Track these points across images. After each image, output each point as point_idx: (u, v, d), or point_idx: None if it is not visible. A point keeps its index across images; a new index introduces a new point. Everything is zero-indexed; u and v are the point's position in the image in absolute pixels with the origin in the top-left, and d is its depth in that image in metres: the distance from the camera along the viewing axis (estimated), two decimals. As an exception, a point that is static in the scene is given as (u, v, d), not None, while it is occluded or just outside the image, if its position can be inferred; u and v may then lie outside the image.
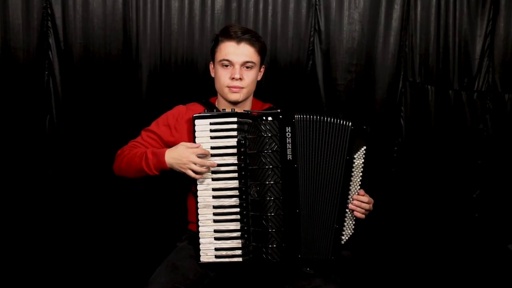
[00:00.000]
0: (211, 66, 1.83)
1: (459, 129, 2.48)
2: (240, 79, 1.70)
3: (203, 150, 1.59)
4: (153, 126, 1.82)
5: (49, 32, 2.28)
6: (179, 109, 1.83)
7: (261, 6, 2.36)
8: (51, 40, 2.28)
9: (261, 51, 1.76)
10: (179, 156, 1.60)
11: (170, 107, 1.87)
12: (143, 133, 1.81)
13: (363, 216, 1.61)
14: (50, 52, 2.29)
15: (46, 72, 2.30)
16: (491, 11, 2.43)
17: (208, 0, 2.33)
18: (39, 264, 2.34)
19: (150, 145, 1.77)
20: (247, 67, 1.72)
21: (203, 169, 1.59)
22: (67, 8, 2.27)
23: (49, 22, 2.27)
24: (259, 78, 1.81)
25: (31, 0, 2.25)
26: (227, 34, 1.72)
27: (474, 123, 2.48)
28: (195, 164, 1.58)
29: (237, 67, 1.70)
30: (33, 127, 2.30)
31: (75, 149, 2.33)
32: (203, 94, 1.95)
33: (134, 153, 1.71)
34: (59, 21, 2.27)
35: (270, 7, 2.36)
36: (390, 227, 2.50)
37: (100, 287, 2.32)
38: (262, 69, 1.83)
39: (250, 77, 1.73)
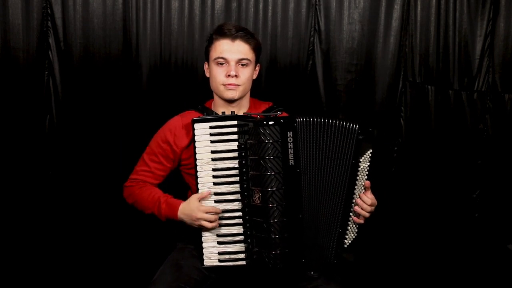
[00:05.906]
0: (205, 66, 1.80)
1: (459, 129, 2.48)
2: (236, 76, 1.68)
3: (213, 208, 1.58)
4: (153, 146, 1.76)
5: (49, 32, 2.28)
6: (174, 121, 1.77)
7: (261, 6, 2.36)
8: (51, 40, 2.28)
9: (256, 49, 1.73)
10: (190, 213, 1.60)
11: (170, 106, 1.86)
12: (146, 157, 1.76)
13: (361, 221, 1.58)
14: (50, 52, 2.29)
15: (46, 72, 2.30)
16: (491, 11, 2.43)
17: (208, 0, 2.33)
18: (40, 264, 2.33)
19: (157, 170, 1.74)
20: (243, 65, 1.69)
21: (213, 224, 1.57)
22: (67, 8, 2.27)
23: (49, 22, 2.27)
24: (254, 76, 1.79)
25: (31, 0, 2.25)
26: (221, 32, 1.69)
27: (474, 123, 2.48)
28: (205, 220, 1.58)
29: (232, 64, 1.67)
30: (33, 127, 2.30)
31: (75, 149, 2.33)
32: (203, 94, 1.94)
33: (147, 196, 1.70)
34: (59, 21, 2.27)
35: (270, 7, 2.36)
36: (390, 227, 2.51)
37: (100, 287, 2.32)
38: (258, 68, 1.80)
39: (246, 75, 1.70)
